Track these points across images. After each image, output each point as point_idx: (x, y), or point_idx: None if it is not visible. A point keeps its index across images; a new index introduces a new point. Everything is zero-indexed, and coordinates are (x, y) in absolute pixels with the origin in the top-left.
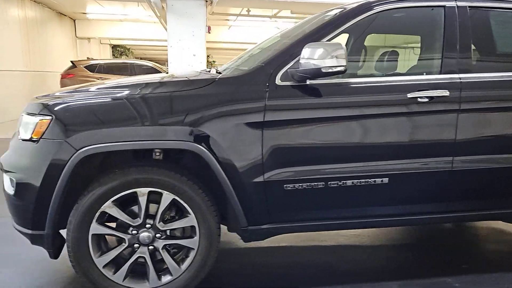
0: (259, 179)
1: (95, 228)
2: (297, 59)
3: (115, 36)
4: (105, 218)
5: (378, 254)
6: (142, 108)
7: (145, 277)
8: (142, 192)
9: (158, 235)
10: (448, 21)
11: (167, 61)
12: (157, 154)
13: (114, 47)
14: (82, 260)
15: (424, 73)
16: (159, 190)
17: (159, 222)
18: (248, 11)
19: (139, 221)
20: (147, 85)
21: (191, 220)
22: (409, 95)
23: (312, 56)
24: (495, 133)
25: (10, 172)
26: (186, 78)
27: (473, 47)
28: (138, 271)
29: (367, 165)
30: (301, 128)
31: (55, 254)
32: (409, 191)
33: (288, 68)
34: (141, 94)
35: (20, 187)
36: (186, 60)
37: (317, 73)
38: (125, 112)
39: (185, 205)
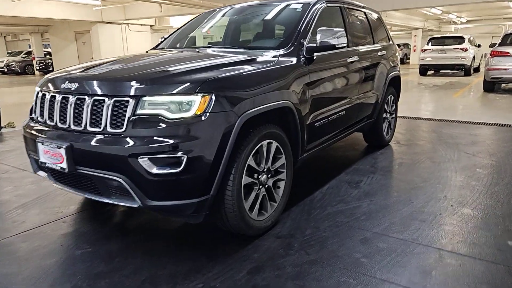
0: (308, 122)
1: (245, 179)
2: (307, 39)
3: None
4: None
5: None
6: (261, 80)
7: (262, 210)
8: (264, 144)
9: (269, 175)
10: (343, 14)
11: None
12: None
13: None
14: (240, 207)
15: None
16: (271, 140)
17: (271, 165)
18: None
19: (262, 167)
20: (249, 61)
21: (283, 159)
22: (348, 60)
23: (324, 38)
24: (366, 79)
25: (169, 151)
26: (261, 56)
27: (352, 31)
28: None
29: (338, 105)
30: (316, 84)
31: (208, 216)
32: (349, 117)
33: (307, 45)
34: (251, 71)
35: (191, 161)
36: None
37: (331, 48)
38: (254, 84)
39: (281, 149)
